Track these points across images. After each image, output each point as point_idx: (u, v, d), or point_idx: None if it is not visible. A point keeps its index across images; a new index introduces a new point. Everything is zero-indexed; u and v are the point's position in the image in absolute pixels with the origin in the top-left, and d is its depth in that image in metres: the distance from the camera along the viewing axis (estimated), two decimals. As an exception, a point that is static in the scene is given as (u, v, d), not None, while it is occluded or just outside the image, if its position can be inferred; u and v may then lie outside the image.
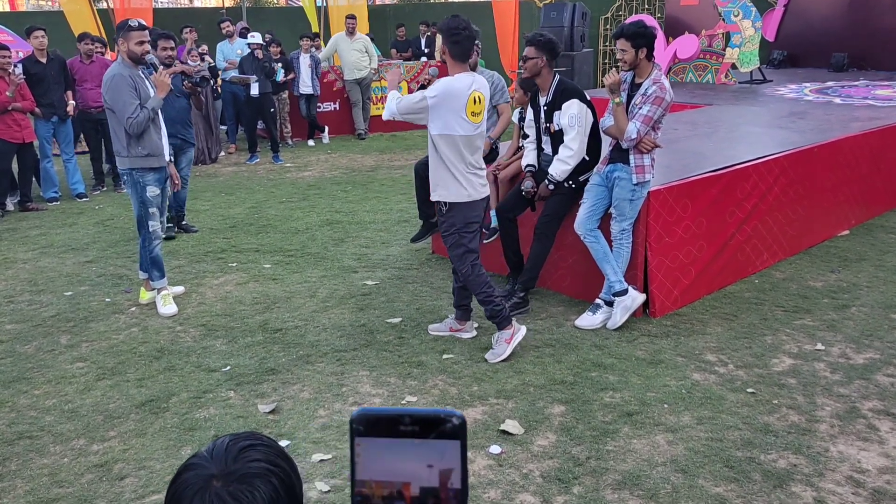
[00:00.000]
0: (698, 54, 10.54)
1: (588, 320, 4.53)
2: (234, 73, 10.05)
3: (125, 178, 4.88)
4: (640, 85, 4.38)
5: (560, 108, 4.53)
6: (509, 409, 3.62)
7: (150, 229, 4.90)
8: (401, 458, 0.64)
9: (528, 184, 4.81)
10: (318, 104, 11.42)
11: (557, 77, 4.62)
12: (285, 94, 10.86)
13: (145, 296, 5.09)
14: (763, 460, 3.15)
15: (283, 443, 3.35)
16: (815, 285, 5.14)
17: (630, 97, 4.41)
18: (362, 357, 4.21)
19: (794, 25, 11.94)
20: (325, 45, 12.13)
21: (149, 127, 4.73)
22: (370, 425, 0.64)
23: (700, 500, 2.90)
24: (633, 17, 10.28)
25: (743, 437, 3.32)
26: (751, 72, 10.30)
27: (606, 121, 4.51)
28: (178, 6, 23.72)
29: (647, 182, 4.43)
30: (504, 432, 3.40)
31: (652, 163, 4.42)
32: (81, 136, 9.01)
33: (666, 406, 3.60)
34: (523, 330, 4.17)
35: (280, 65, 10.32)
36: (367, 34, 12.30)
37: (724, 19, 10.47)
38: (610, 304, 4.52)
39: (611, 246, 4.52)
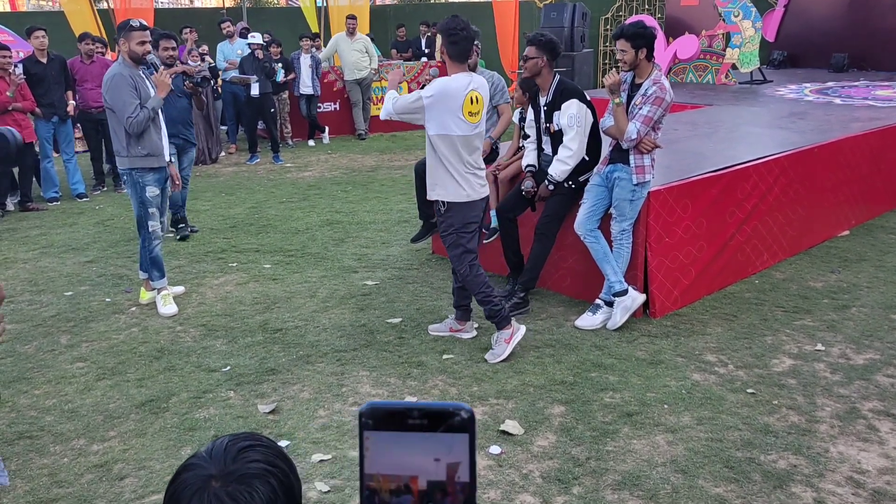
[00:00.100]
0: (698, 55, 10.55)
1: (588, 320, 4.53)
2: (234, 74, 10.06)
3: (125, 178, 4.88)
4: (640, 85, 4.38)
5: (560, 109, 4.54)
6: (509, 409, 3.62)
7: (150, 229, 4.90)
8: (409, 452, 0.64)
9: (528, 184, 4.81)
10: (319, 104, 11.43)
11: (557, 77, 4.62)
12: (285, 95, 10.87)
13: (145, 296, 5.10)
14: (763, 461, 3.14)
15: (283, 443, 3.35)
16: (815, 286, 5.14)
17: (630, 97, 4.41)
18: (362, 357, 4.21)
19: (795, 26, 11.94)
20: (326, 46, 12.14)
21: (149, 127, 4.73)
22: (379, 419, 0.64)
23: (700, 501, 2.89)
24: (633, 18, 10.27)
25: (743, 437, 3.32)
26: (751, 72, 10.30)
27: (606, 121, 4.51)
28: (179, 6, 23.73)
29: (648, 182, 4.42)
30: (504, 432, 3.40)
31: (652, 163, 4.42)
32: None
33: (666, 406, 3.60)
34: (522, 329, 4.17)
35: (280, 65, 10.33)
36: (367, 34, 12.31)
37: (724, 20, 10.47)
38: (610, 304, 4.52)
39: (611, 246, 4.52)
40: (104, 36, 10.60)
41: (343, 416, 3.60)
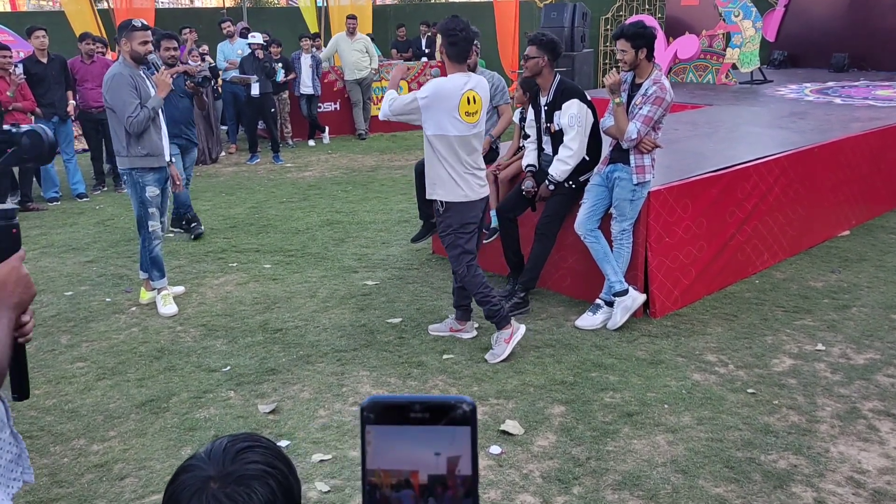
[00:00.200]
0: (699, 54, 10.54)
1: (588, 320, 4.52)
2: (234, 74, 10.06)
3: (125, 177, 4.88)
4: (640, 85, 4.37)
5: (560, 108, 4.53)
6: (509, 409, 3.62)
7: (150, 229, 4.90)
8: (410, 446, 0.64)
9: (528, 184, 4.81)
10: (319, 104, 11.43)
11: (558, 77, 4.62)
12: (286, 95, 10.87)
13: (145, 296, 5.10)
14: (763, 461, 3.14)
15: (283, 443, 3.35)
16: (815, 285, 5.13)
17: (630, 97, 4.41)
18: (362, 357, 4.21)
19: (795, 26, 11.94)
20: (326, 46, 12.14)
21: (149, 127, 4.73)
22: (381, 413, 0.64)
23: (700, 501, 2.89)
24: (634, 18, 10.28)
25: (743, 437, 3.32)
26: (751, 72, 10.30)
27: (607, 121, 4.51)
28: (179, 6, 23.74)
29: (648, 182, 4.42)
30: (504, 432, 3.40)
31: (652, 163, 4.42)
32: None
33: (666, 406, 3.60)
34: (522, 329, 4.17)
35: (280, 65, 10.33)
36: (367, 34, 12.30)
37: (724, 19, 10.47)
38: (610, 304, 4.52)
39: (611, 246, 4.52)
40: (104, 36, 10.60)
41: (343, 415, 3.60)
